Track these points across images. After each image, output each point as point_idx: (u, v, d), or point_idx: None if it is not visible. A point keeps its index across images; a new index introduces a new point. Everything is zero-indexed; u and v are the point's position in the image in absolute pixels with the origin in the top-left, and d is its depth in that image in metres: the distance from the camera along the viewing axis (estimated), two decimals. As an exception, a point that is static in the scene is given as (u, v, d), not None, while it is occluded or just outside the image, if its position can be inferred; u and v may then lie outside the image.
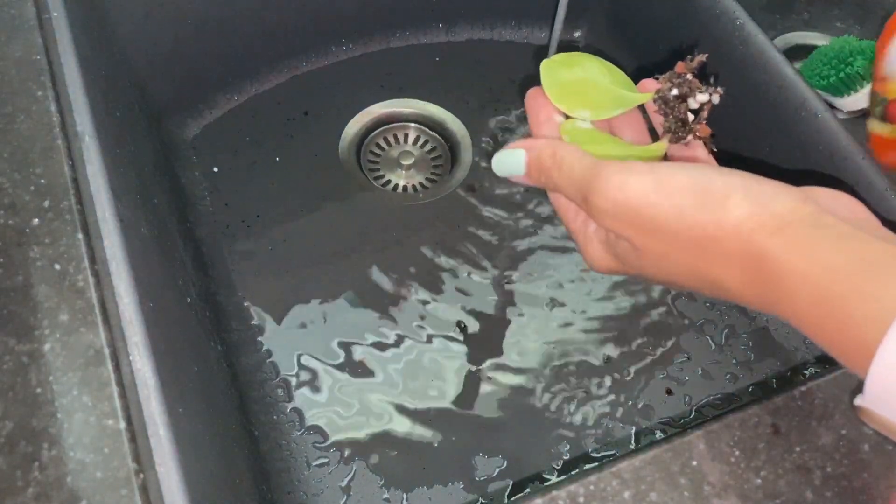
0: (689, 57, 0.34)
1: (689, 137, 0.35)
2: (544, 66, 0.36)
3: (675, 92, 0.34)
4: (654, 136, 0.37)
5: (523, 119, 0.71)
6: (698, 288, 0.31)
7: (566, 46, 0.77)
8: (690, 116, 0.34)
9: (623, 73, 0.37)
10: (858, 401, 0.26)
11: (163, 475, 0.32)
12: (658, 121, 0.36)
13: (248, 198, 0.65)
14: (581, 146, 0.33)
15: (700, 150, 0.35)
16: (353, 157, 0.69)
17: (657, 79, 0.35)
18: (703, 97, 0.34)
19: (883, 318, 0.24)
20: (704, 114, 0.34)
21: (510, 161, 0.34)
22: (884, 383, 0.24)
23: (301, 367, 0.57)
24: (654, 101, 0.35)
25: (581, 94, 0.35)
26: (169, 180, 0.61)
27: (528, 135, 0.37)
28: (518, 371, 0.58)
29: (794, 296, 0.27)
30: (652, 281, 0.33)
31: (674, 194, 0.29)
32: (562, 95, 0.35)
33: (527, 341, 0.60)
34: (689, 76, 0.34)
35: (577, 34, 0.78)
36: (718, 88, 0.34)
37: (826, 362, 0.39)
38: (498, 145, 0.70)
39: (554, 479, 0.54)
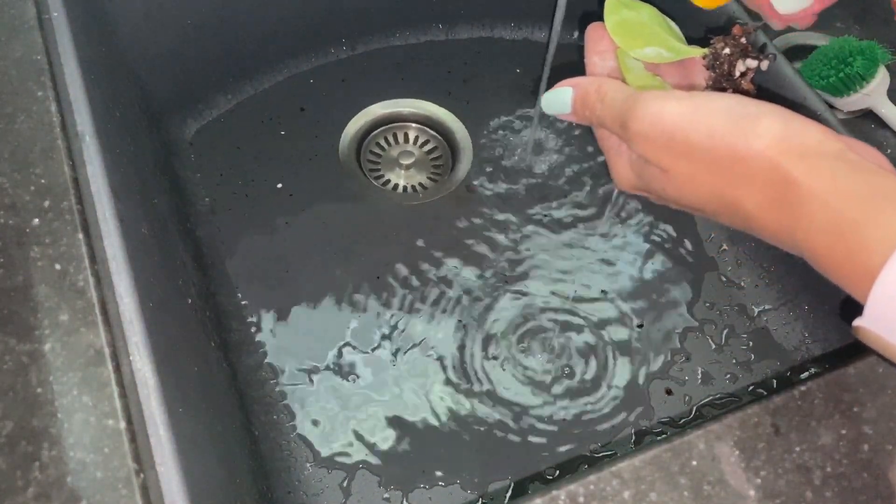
0: (745, 24, 0.35)
1: (730, 90, 0.36)
2: (609, 2, 0.37)
3: (727, 51, 0.35)
4: None
5: (524, 119, 0.71)
6: (717, 212, 0.32)
7: (566, 46, 0.77)
8: (737, 74, 0.36)
9: (678, 29, 0.39)
10: (858, 321, 0.27)
11: (163, 475, 0.32)
12: (705, 76, 0.37)
13: (247, 198, 0.65)
14: (627, 76, 0.35)
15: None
16: (353, 157, 0.69)
17: (711, 41, 0.36)
18: (752, 62, 0.35)
19: (890, 243, 0.25)
20: (750, 75, 0.36)
21: (557, 99, 0.36)
22: (884, 303, 0.26)
23: (301, 366, 0.57)
24: (705, 56, 0.36)
25: (640, 35, 0.37)
26: (169, 180, 0.61)
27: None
28: (518, 370, 0.58)
29: (810, 220, 0.28)
30: (672, 203, 0.34)
31: (709, 116, 0.30)
32: (622, 32, 0.36)
33: (527, 341, 0.60)
34: (743, 40, 0.36)
35: (576, 34, 0.78)
36: (771, 55, 0.35)
37: (826, 362, 0.39)
38: (497, 147, 0.70)
39: (554, 478, 0.54)
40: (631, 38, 0.36)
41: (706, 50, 0.36)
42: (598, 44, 0.38)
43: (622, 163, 0.35)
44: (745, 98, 0.31)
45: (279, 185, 0.66)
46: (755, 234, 0.32)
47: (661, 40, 0.37)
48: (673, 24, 0.39)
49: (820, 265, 0.29)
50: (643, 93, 0.32)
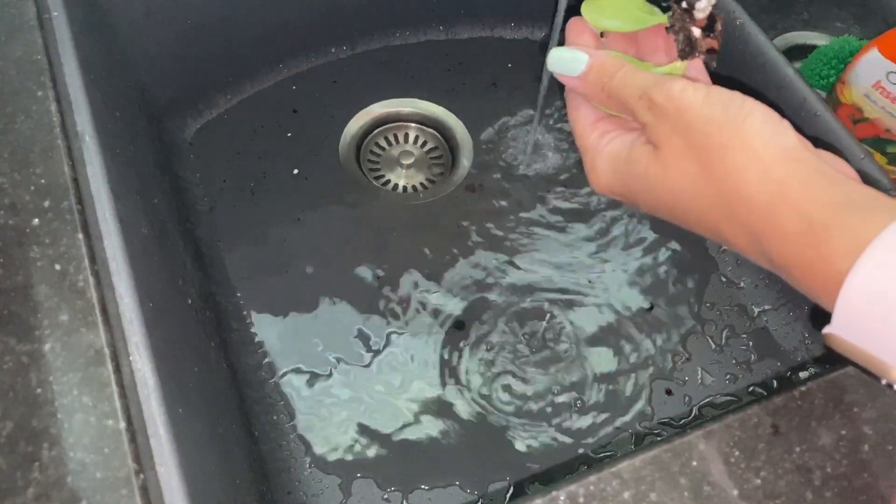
0: None
1: (697, 54, 0.37)
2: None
3: (683, 5, 0.37)
4: None
5: (524, 118, 0.71)
6: (690, 207, 0.33)
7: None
8: (696, 32, 0.37)
9: (657, 9, 0.40)
10: (827, 329, 0.28)
11: (163, 475, 0.32)
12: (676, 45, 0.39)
13: (247, 198, 0.65)
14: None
15: (702, 76, 0.38)
16: (353, 157, 0.69)
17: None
18: (703, 3, 0.36)
19: (857, 249, 0.26)
20: (712, 31, 0.37)
21: (570, 58, 0.36)
22: (851, 308, 0.26)
23: (301, 366, 0.57)
24: (668, 19, 0.38)
25: (607, 9, 0.39)
26: (169, 180, 0.61)
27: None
28: (518, 370, 0.58)
29: (784, 224, 0.29)
30: (643, 202, 0.35)
31: (711, 105, 0.31)
32: (592, 10, 0.39)
33: (527, 340, 0.60)
34: (684, 4, 0.37)
35: (577, 34, 0.78)
36: (717, 13, 0.37)
37: (826, 362, 0.39)
38: (497, 147, 0.70)
39: (554, 479, 0.54)
40: (598, 13, 0.38)
41: (666, 17, 0.38)
42: (580, 37, 0.39)
43: (601, 160, 0.36)
44: (740, 94, 0.32)
45: (279, 185, 0.66)
46: (720, 239, 0.32)
47: (627, 13, 0.39)
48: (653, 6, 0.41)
49: (789, 272, 0.29)
50: (664, 75, 0.34)
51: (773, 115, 0.31)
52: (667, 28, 0.38)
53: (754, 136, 0.30)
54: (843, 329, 0.27)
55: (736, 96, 0.32)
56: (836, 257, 0.27)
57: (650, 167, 0.33)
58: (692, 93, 0.32)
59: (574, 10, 0.39)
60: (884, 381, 0.27)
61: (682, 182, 0.32)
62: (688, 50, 0.37)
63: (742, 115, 0.30)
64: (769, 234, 0.29)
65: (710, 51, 0.37)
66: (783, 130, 0.30)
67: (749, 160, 0.30)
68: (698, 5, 0.36)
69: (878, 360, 0.26)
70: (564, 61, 0.37)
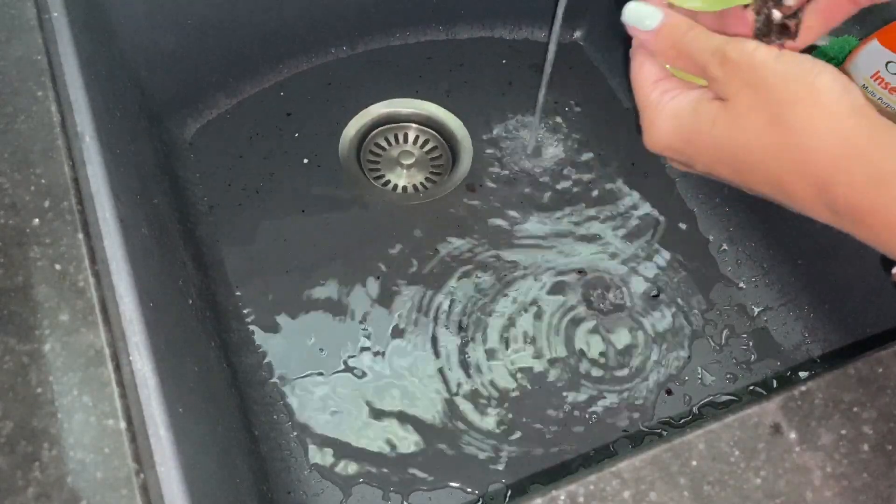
0: None
1: (773, 37, 0.37)
2: None
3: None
4: None
5: (524, 118, 0.71)
6: (755, 162, 0.33)
7: (566, 46, 0.77)
8: (777, 15, 0.37)
9: None
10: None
11: (163, 475, 0.32)
12: (750, 26, 0.39)
13: (248, 198, 0.65)
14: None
15: None
16: (353, 157, 0.69)
17: None
18: (777, 12, 0.36)
19: None
20: (794, 20, 0.37)
21: (648, 14, 0.37)
22: None
23: (301, 366, 0.57)
24: (748, 5, 0.37)
25: None
26: (169, 180, 0.61)
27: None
28: (518, 370, 0.58)
29: (852, 172, 0.30)
30: (704, 159, 0.35)
31: (784, 63, 0.32)
32: None
33: (527, 340, 0.60)
34: None
35: (577, 34, 0.78)
36: None
37: (826, 362, 0.39)
38: (497, 147, 0.70)
39: (554, 478, 0.54)
40: None
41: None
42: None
43: (663, 116, 0.36)
44: (811, 57, 0.33)
45: (279, 185, 0.66)
46: (782, 194, 0.33)
47: None
48: None
49: (856, 220, 0.30)
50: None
51: (842, 76, 0.32)
52: (747, 5, 0.38)
53: (825, 92, 0.31)
54: None
55: (807, 58, 0.33)
56: None
57: (718, 118, 0.34)
58: (765, 51, 0.33)
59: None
60: None
61: (750, 132, 0.33)
62: (765, 31, 0.37)
63: (814, 73, 0.32)
64: (837, 183, 0.30)
65: (784, 35, 0.37)
66: (853, 89, 0.31)
67: (820, 113, 0.31)
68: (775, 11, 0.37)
69: None
70: (639, 15, 0.37)
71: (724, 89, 0.34)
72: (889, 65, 0.52)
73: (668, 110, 0.36)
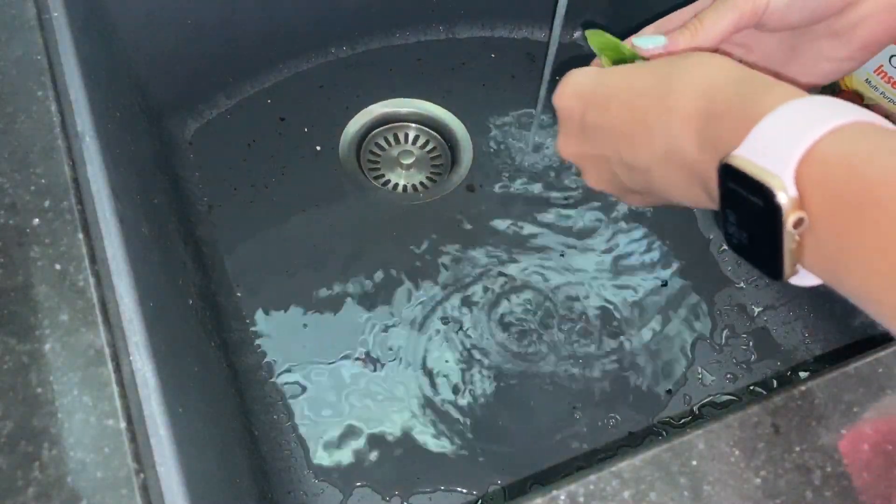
0: None
1: None
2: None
3: None
4: None
5: (524, 118, 0.71)
6: (640, 143, 0.34)
7: (566, 46, 0.77)
8: None
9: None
10: (728, 159, 0.28)
11: (163, 475, 0.32)
12: None
13: (247, 198, 0.65)
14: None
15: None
16: (353, 157, 0.69)
17: None
18: None
19: (785, 98, 0.28)
20: None
21: (654, 40, 0.40)
22: (761, 133, 0.27)
23: (301, 366, 0.57)
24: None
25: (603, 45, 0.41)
26: (169, 180, 0.61)
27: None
28: (518, 370, 0.58)
29: (721, 89, 0.31)
30: (591, 120, 0.37)
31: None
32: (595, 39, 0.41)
33: (527, 340, 0.60)
34: None
35: (577, 34, 0.78)
36: None
37: (826, 362, 0.39)
38: (497, 147, 0.70)
39: (553, 478, 0.54)
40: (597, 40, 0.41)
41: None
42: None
43: (567, 81, 0.38)
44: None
45: (279, 185, 0.66)
46: (644, 129, 0.33)
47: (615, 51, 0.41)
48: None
49: (719, 123, 0.30)
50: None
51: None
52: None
53: (705, 62, 0.33)
54: (746, 150, 0.28)
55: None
56: (760, 106, 0.28)
57: (614, 73, 0.37)
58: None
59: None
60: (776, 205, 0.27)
61: (634, 79, 0.35)
62: None
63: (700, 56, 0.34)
64: (706, 99, 0.31)
65: None
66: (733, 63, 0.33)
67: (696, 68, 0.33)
68: None
69: (772, 174, 0.26)
70: (651, 41, 0.40)
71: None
72: (893, 59, 0.52)
73: (573, 75, 0.39)
